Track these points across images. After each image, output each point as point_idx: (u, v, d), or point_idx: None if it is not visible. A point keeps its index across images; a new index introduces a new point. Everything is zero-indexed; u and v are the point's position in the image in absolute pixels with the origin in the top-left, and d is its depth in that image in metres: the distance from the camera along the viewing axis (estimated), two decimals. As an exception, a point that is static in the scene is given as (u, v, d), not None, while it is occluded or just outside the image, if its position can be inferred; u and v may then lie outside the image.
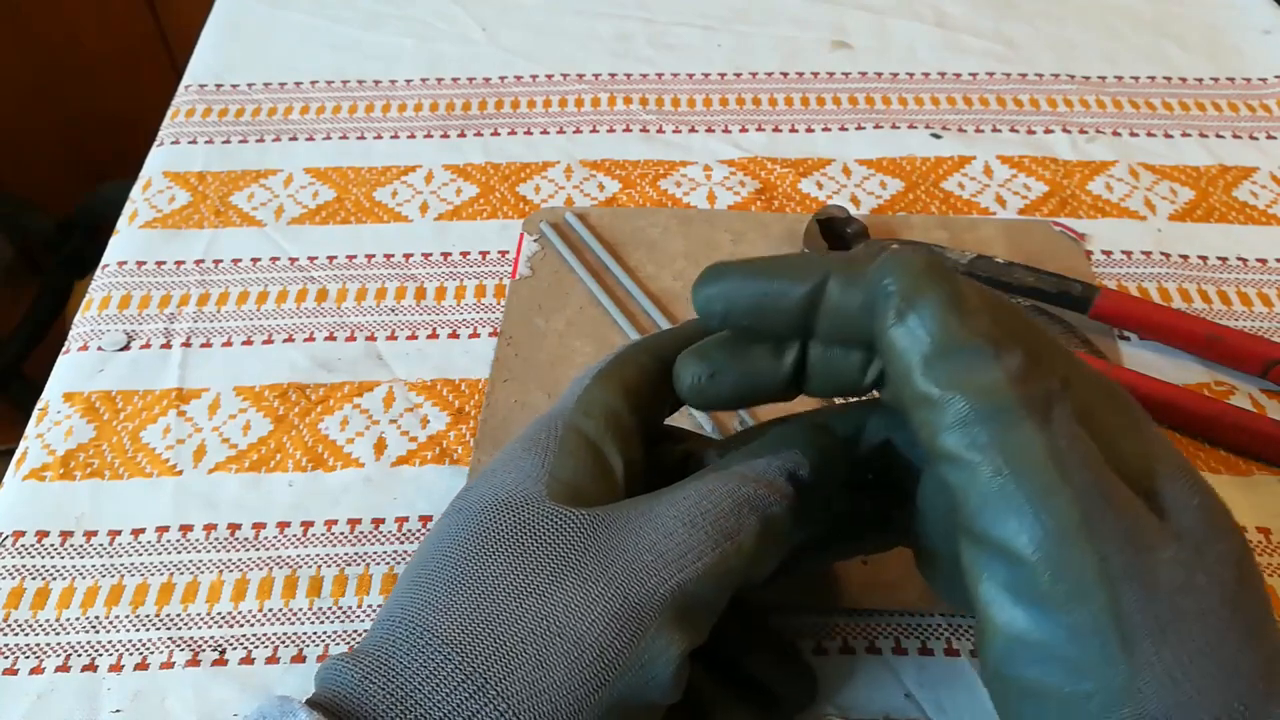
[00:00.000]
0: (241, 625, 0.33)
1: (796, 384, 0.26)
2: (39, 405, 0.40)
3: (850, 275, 0.24)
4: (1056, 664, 0.20)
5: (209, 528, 0.36)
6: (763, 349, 0.26)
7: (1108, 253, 0.45)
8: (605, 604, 0.23)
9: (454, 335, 0.42)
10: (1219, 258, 0.45)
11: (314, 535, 0.36)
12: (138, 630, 0.33)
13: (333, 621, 0.34)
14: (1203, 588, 0.20)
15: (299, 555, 0.35)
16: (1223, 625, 0.20)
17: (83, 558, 0.35)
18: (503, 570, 0.23)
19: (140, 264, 0.45)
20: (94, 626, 0.33)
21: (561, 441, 0.26)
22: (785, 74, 0.55)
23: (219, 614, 0.34)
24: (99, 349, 0.42)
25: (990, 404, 0.21)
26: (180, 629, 0.33)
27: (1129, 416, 0.23)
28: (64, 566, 0.35)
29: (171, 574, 0.35)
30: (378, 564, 0.35)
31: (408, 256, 0.46)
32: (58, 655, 0.33)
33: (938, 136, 0.51)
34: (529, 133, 0.52)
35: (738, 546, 0.24)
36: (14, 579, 0.35)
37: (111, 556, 0.35)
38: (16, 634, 0.33)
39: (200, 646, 0.33)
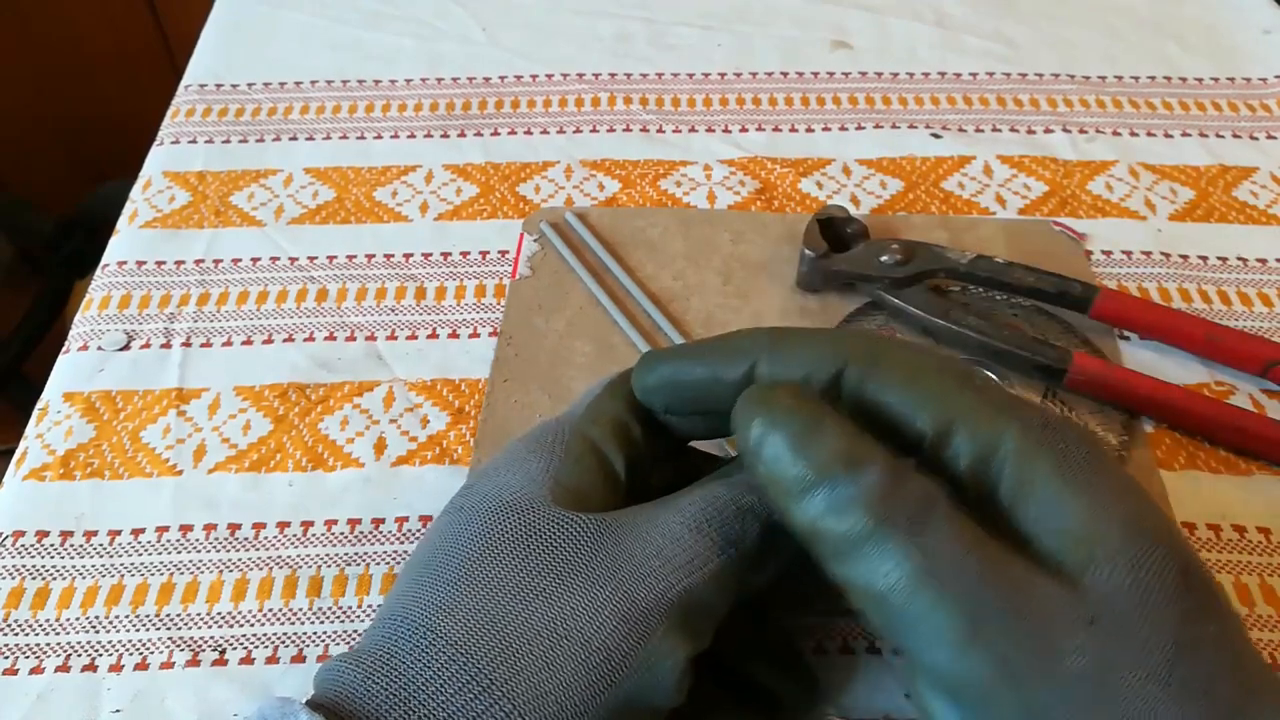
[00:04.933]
0: (241, 625, 0.33)
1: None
2: (39, 405, 0.40)
3: (778, 354, 0.24)
4: None
5: (209, 528, 0.36)
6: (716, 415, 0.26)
7: (1108, 253, 0.45)
8: (613, 608, 0.23)
9: (454, 335, 0.42)
10: (1219, 258, 0.45)
11: (314, 535, 0.36)
12: (138, 630, 0.33)
13: (333, 621, 0.34)
14: (1121, 669, 0.19)
15: (299, 555, 0.35)
16: (1152, 703, 0.19)
17: (83, 558, 0.35)
18: (508, 572, 0.23)
19: (140, 264, 0.45)
20: (94, 626, 0.33)
21: (568, 447, 0.26)
22: (785, 74, 0.55)
23: (219, 614, 0.34)
24: (99, 349, 0.42)
25: (855, 532, 0.21)
26: (180, 629, 0.33)
27: (1080, 476, 0.21)
28: (64, 566, 0.35)
29: (171, 574, 0.35)
30: (378, 564, 0.35)
31: (408, 256, 0.46)
32: (58, 655, 0.33)
33: (938, 136, 0.51)
34: (529, 133, 0.52)
35: (742, 552, 0.24)
36: (14, 579, 0.35)
37: (111, 556, 0.35)
38: (16, 634, 0.33)
39: (200, 646, 0.33)
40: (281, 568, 0.35)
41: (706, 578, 0.24)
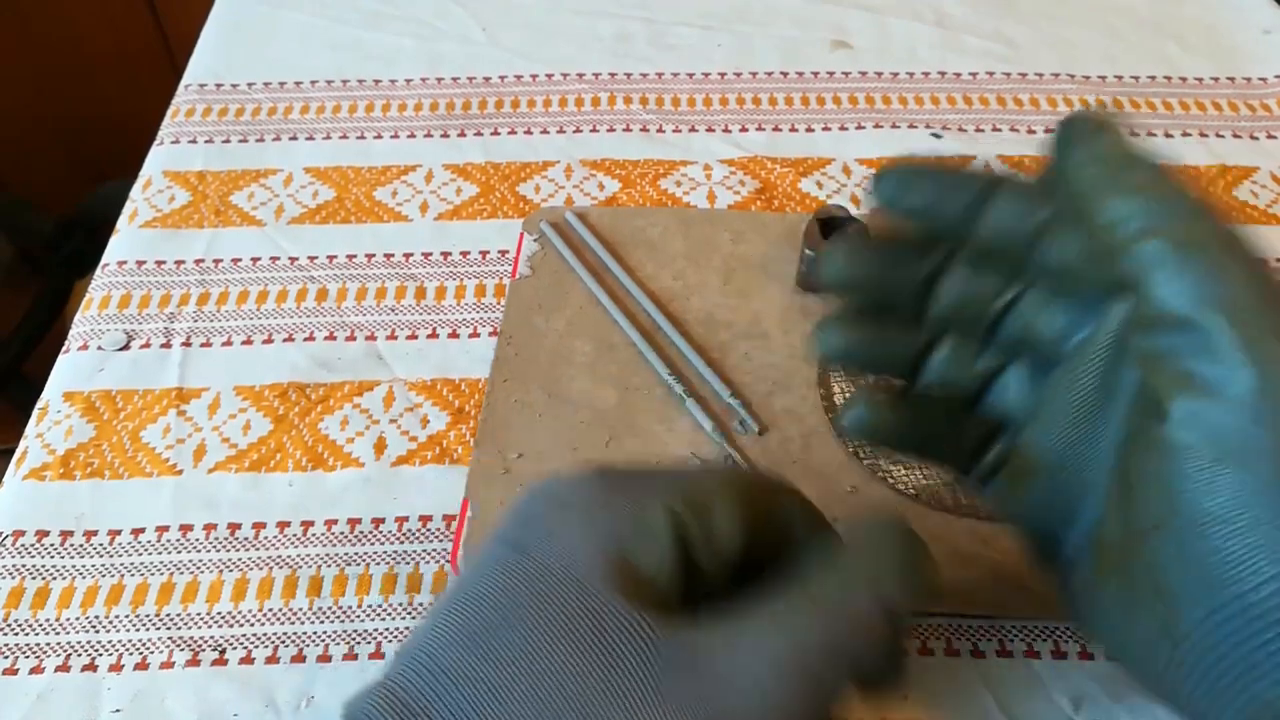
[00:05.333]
0: (241, 625, 0.33)
1: (926, 292, 0.26)
2: (39, 405, 0.40)
3: (1018, 189, 0.25)
4: (1249, 411, 0.20)
5: (209, 527, 0.36)
6: (907, 251, 0.26)
7: (1108, 252, 0.45)
8: None
9: (454, 335, 0.42)
10: (1219, 257, 0.45)
11: (314, 535, 0.36)
12: (138, 630, 0.33)
13: (333, 621, 0.34)
14: None
15: (299, 555, 0.35)
16: None
17: (83, 557, 0.35)
18: (569, 673, 0.21)
19: (140, 263, 0.45)
20: (94, 626, 0.33)
21: (647, 519, 0.23)
22: (785, 73, 0.55)
23: (219, 614, 0.34)
24: (99, 348, 0.42)
25: (1182, 209, 0.22)
26: (180, 629, 0.33)
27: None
28: (64, 566, 0.35)
29: (171, 574, 0.35)
30: (378, 564, 0.35)
31: (408, 256, 0.46)
32: (58, 655, 0.33)
33: (938, 136, 0.51)
34: (529, 132, 0.52)
35: (820, 692, 0.22)
36: (14, 579, 0.35)
37: (111, 556, 0.35)
38: (16, 634, 0.33)
39: (200, 646, 0.33)
40: (281, 567, 0.35)
41: None
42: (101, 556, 0.35)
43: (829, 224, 0.44)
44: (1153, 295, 0.22)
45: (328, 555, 0.35)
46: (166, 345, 0.42)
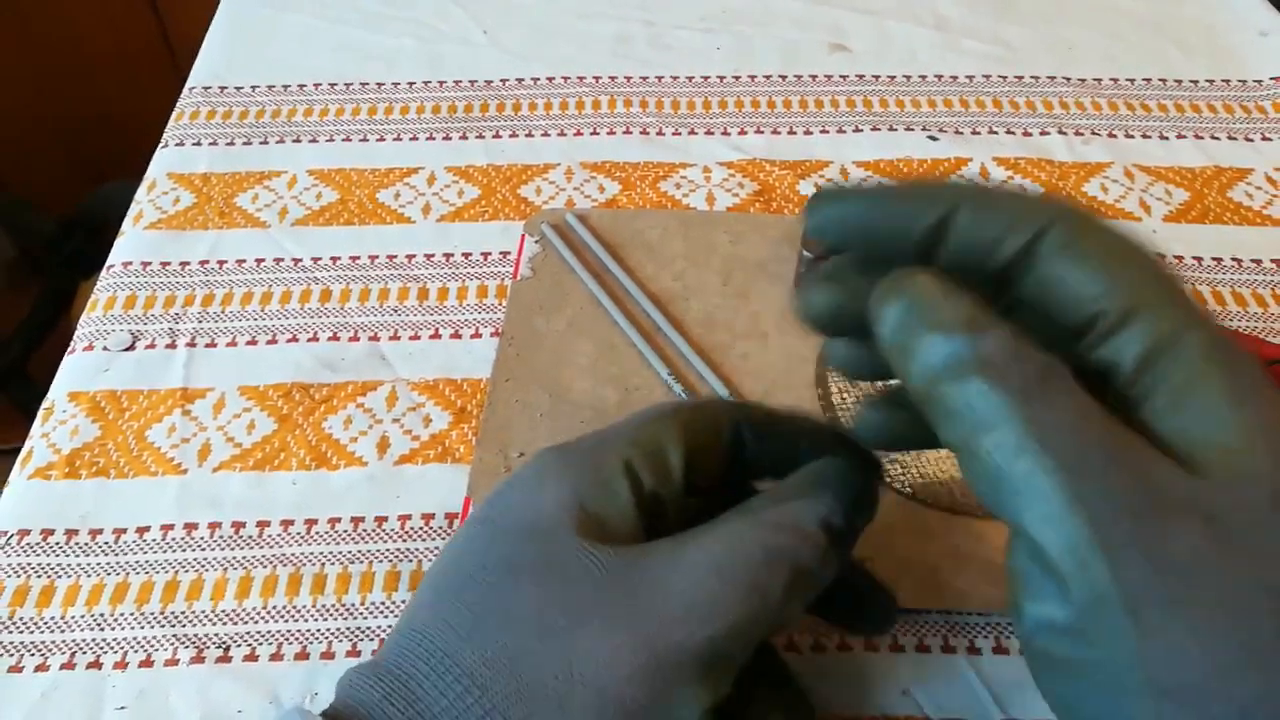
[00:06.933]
0: (246, 623, 0.34)
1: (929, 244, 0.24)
2: (45, 405, 0.40)
3: (984, 204, 0.22)
4: (1070, 633, 0.19)
5: (213, 526, 0.36)
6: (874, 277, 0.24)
7: (1104, 254, 0.46)
8: (629, 656, 0.22)
9: (456, 335, 0.43)
10: (1214, 258, 0.45)
11: (318, 533, 0.36)
12: (142, 628, 0.34)
13: (336, 619, 0.34)
14: (1231, 569, 0.18)
15: (303, 553, 0.36)
16: (1254, 611, 0.18)
17: (88, 556, 0.36)
18: (527, 605, 0.23)
19: (145, 265, 0.46)
20: (99, 624, 0.34)
21: (598, 467, 0.25)
22: (784, 76, 0.56)
23: (223, 611, 0.34)
24: (104, 349, 0.42)
25: (968, 394, 0.20)
26: (185, 626, 0.34)
27: (1250, 397, 0.20)
28: (69, 564, 0.35)
29: (176, 572, 0.35)
30: (381, 562, 0.35)
31: (410, 257, 0.46)
32: (63, 653, 0.33)
33: (934, 139, 0.52)
34: (530, 135, 0.52)
35: (765, 600, 0.23)
36: (19, 577, 0.35)
37: (116, 554, 0.36)
38: (22, 632, 0.34)
39: (204, 644, 0.33)
40: (285, 565, 0.35)
41: (729, 627, 0.23)
42: (106, 555, 0.36)
43: (827, 226, 0.44)
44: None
45: (331, 553, 0.36)
46: (171, 346, 0.42)
